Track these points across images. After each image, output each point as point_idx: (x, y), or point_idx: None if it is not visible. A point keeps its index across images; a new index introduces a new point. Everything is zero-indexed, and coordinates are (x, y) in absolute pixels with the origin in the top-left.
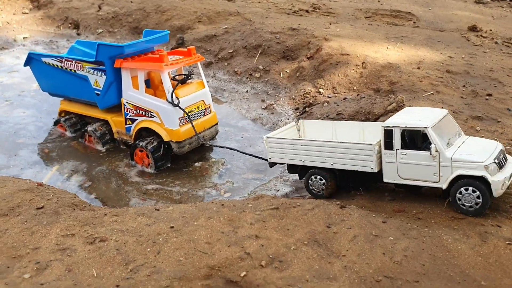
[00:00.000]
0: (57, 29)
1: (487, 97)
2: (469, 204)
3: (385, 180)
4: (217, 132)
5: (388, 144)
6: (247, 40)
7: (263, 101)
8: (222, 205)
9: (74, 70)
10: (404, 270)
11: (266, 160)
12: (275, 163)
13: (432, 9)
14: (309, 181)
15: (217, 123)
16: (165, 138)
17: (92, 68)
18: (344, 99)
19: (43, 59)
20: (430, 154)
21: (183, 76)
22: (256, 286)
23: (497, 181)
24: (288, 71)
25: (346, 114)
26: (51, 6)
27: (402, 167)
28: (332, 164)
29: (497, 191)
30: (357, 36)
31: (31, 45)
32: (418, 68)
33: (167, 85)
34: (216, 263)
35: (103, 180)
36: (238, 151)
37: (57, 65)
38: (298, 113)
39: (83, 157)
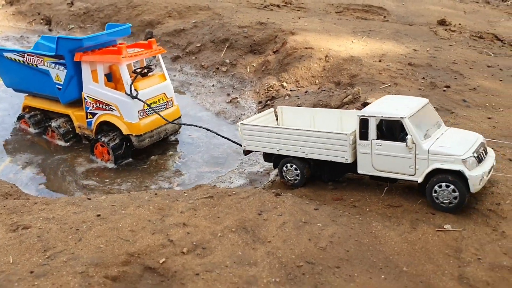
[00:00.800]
0: (29, 25)
1: (445, 88)
2: (446, 201)
3: (359, 171)
4: (180, 126)
5: (363, 134)
6: (215, 34)
7: (228, 95)
8: (156, 194)
9: (36, 65)
10: (327, 255)
11: (241, 145)
12: (250, 151)
13: (406, 3)
14: (283, 170)
15: (180, 117)
16: (125, 131)
17: (53, 62)
18: (306, 92)
19: (5, 54)
20: (406, 145)
21: (142, 69)
22: (174, 272)
23: (475, 176)
24: (254, 65)
25: (305, 107)
26: (23, 1)
27: (377, 159)
28: (306, 154)
29: (474, 186)
30: (324, 30)
31: (1, 40)
32: (380, 61)
33: (126, 77)
34: (136, 250)
35: (55, 172)
36: (215, 132)
37: (19, 60)
38: (260, 107)
39: (41, 151)
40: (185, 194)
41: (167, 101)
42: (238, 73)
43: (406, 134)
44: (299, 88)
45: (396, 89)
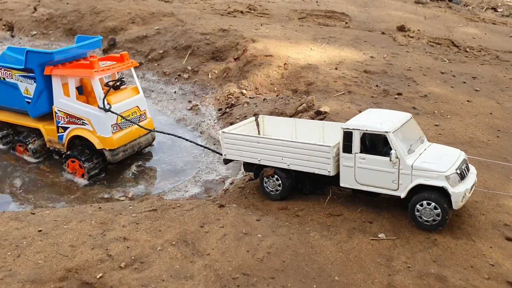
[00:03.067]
0: None
1: (397, 96)
2: (428, 219)
3: (341, 184)
4: (153, 139)
5: (347, 147)
6: (178, 41)
7: (189, 101)
8: (100, 208)
9: (4, 78)
10: (263, 267)
11: (221, 154)
12: (230, 160)
13: (369, 9)
14: (264, 181)
15: (153, 129)
16: (98, 146)
17: (22, 76)
18: (264, 100)
19: None
20: (390, 160)
21: (115, 82)
22: (110, 287)
23: (458, 192)
24: (216, 72)
25: (262, 114)
26: None
27: (360, 172)
28: (288, 165)
29: (457, 203)
30: (285, 37)
31: None
32: (336, 68)
33: (98, 91)
34: (74, 265)
35: (12, 185)
36: (193, 142)
37: None
38: (220, 114)
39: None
40: (130, 207)
41: (140, 114)
42: (200, 80)
43: (390, 149)
44: (258, 96)
45: (349, 97)
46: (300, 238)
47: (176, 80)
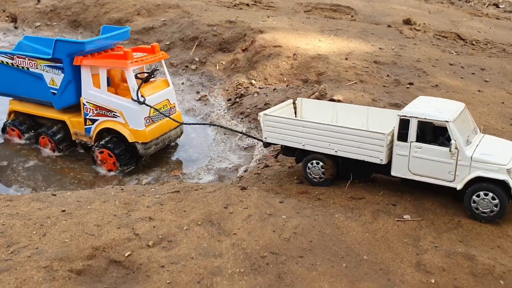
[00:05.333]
0: None
1: (408, 85)
2: (486, 210)
3: (393, 173)
4: (182, 133)
5: (402, 135)
6: (184, 32)
7: (197, 92)
8: (122, 189)
9: (27, 68)
10: (290, 246)
11: (261, 140)
12: (270, 144)
13: (373, 3)
14: (307, 167)
15: (182, 123)
16: (130, 139)
17: (48, 66)
18: (274, 89)
19: None
20: (450, 150)
21: (146, 74)
22: (139, 265)
23: None
24: (224, 63)
25: (273, 103)
26: None
27: (415, 162)
28: (336, 151)
29: None
30: (292, 28)
31: None
32: (346, 59)
33: (132, 83)
34: (101, 244)
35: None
36: (228, 128)
37: (7, 62)
38: (229, 104)
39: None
40: (152, 189)
41: (170, 108)
42: (208, 71)
43: (448, 139)
44: (267, 86)
45: (361, 86)
46: (325, 219)
47: (184, 71)
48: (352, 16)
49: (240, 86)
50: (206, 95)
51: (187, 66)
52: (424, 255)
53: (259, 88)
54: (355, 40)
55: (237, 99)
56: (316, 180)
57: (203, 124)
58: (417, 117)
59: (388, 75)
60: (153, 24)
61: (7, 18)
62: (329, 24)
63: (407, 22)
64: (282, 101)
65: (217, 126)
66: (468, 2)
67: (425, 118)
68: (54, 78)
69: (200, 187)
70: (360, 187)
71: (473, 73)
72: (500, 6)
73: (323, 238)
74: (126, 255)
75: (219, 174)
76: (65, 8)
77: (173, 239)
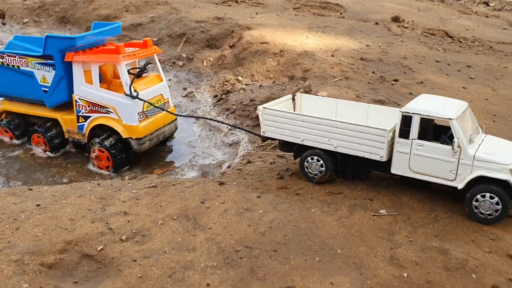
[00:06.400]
0: None
1: (393, 82)
2: (486, 212)
3: (393, 171)
4: (176, 128)
5: (404, 132)
6: (172, 28)
7: (184, 89)
8: (99, 184)
9: (18, 66)
10: (265, 240)
11: (258, 135)
12: (268, 138)
13: (363, 0)
14: (305, 163)
15: (176, 118)
16: (123, 134)
17: (39, 63)
18: (260, 86)
19: None
20: (452, 149)
21: (138, 69)
22: (111, 259)
23: None
24: (211, 59)
25: (259, 100)
26: None
27: (416, 159)
28: (335, 147)
29: None
30: (280, 25)
31: None
32: (332, 56)
33: (125, 77)
34: (74, 238)
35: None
36: (223, 122)
37: None
38: (216, 100)
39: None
40: (129, 184)
41: (164, 103)
42: (195, 67)
43: (450, 137)
44: (254, 82)
45: (346, 83)
46: (301, 213)
47: (171, 67)
48: (341, 13)
49: (226, 83)
50: (192, 92)
51: (174, 63)
52: (398, 249)
53: (246, 84)
54: (342, 37)
55: (223, 96)
56: (315, 176)
57: (198, 117)
58: (420, 114)
59: (373, 72)
60: (141, 21)
61: None
62: (317, 21)
63: (396, 19)
64: (268, 98)
65: (212, 120)
66: (459, 0)
67: (428, 115)
68: (45, 76)
69: (178, 182)
70: (340, 182)
71: (459, 70)
72: (490, 4)
73: (298, 232)
74: (99, 249)
75: (203, 170)
76: (54, 5)
77: (147, 233)
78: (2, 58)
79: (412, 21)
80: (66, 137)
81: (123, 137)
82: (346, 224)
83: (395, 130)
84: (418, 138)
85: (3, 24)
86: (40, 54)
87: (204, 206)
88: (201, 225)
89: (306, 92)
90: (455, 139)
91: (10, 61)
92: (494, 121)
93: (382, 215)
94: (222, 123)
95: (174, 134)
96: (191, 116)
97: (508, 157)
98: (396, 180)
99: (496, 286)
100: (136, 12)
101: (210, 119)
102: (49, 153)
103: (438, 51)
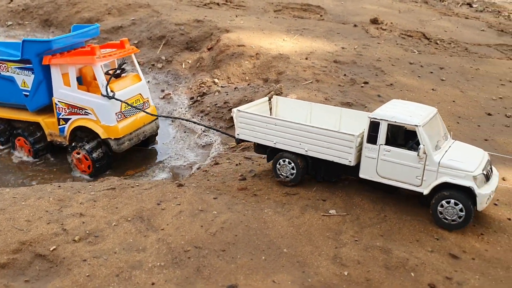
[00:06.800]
0: None
1: (363, 85)
2: (451, 218)
3: (361, 175)
4: (157, 127)
5: (372, 138)
6: (152, 31)
7: (162, 91)
8: (59, 186)
9: None
10: (215, 240)
11: (233, 136)
12: (243, 140)
13: (345, 2)
14: (277, 165)
15: (157, 118)
16: (102, 135)
17: (18, 68)
18: (235, 88)
19: None
20: (418, 155)
21: (117, 69)
22: (63, 258)
23: (484, 194)
24: (190, 61)
25: (232, 102)
26: None
27: (383, 165)
28: (306, 151)
29: (481, 205)
30: (259, 28)
31: None
32: (306, 58)
33: (101, 78)
34: (28, 238)
35: None
36: (202, 124)
37: None
38: (191, 102)
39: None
40: (89, 186)
41: (143, 102)
42: (174, 69)
43: (416, 143)
44: (230, 85)
45: (317, 86)
46: (254, 214)
47: (150, 69)
48: (321, 15)
49: (203, 85)
50: (170, 94)
51: (153, 65)
52: (342, 248)
53: (221, 87)
54: (319, 40)
55: (199, 98)
56: (286, 178)
57: (177, 118)
58: (387, 120)
59: (345, 74)
60: (122, 23)
61: None
62: (296, 24)
63: (374, 21)
64: (241, 100)
65: (191, 121)
66: (442, 1)
67: (395, 122)
68: (25, 80)
69: (137, 184)
70: (297, 184)
71: (431, 72)
72: (473, 6)
73: (248, 232)
74: (51, 249)
75: (174, 172)
76: (37, 8)
77: (100, 234)
78: None
79: (391, 22)
80: (48, 140)
81: (102, 138)
82: (296, 224)
83: (363, 135)
84: (386, 144)
85: None
86: (19, 58)
87: (160, 207)
88: (154, 226)
89: (278, 95)
90: (421, 146)
91: None
92: (458, 123)
93: (332, 215)
94: (199, 124)
95: (156, 139)
96: (169, 117)
97: (472, 164)
98: (351, 180)
99: (433, 284)
100: (119, 15)
101: (188, 120)
102: (31, 158)
103: (413, 53)
